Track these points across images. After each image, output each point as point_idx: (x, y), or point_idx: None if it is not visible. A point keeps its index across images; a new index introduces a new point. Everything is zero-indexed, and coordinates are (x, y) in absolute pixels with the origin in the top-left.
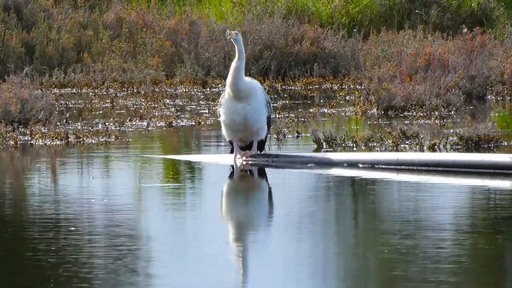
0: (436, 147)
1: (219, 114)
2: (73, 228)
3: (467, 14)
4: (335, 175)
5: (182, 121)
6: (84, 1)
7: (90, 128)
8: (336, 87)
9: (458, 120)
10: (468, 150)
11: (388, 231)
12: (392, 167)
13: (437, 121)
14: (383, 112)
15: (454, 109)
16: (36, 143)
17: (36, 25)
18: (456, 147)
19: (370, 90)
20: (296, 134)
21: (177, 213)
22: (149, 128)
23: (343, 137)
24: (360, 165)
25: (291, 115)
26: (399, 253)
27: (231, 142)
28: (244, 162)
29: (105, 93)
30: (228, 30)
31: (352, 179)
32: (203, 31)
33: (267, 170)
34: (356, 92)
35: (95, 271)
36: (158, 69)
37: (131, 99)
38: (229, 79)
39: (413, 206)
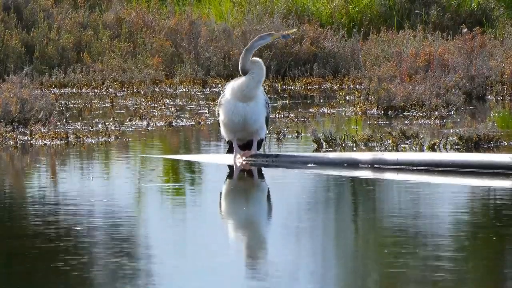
0: (436, 147)
1: (218, 114)
2: (78, 228)
3: (467, 14)
4: (335, 175)
5: (182, 121)
6: (84, 1)
7: (90, 128)
8: (336, 87)
9: (458, 120)
10: (468, 150)
11: (388, 231)
12: (392, 167)
13: (437, 121)
14: (383, 112)
15: (454, 109)
16: (36, 143)
17: (36, 25)
18: (456, 147)
19: (370, 90)
20: (296, 134)
21: (177, 214)
22: (149, 128)
23: (343, 137)
24: (360, 165)
25: (291, 115)
26: (399, 253)
27: (229, 142)
28: (244, 162)
29: (105, 93)
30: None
31: (352, 179)
32: (203, 31)
33: (267, 170)
34: (356, 92)
35: (94, 272)
36: (158, 69)
37: (131, 99)
38: (255, 78)
39: (413, 206)
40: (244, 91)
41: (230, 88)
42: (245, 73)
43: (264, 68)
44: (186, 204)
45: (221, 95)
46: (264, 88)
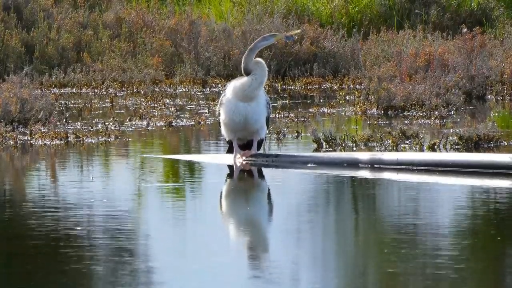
0: (436, 147)
1: (219, 113)
2: (78, 228)
3: (467, 14)
4: (335, 175)
5: (182, 121)
6: (84, 1)
7: (90, 128)
8: (336, 87)
9: (458, 120)
10: (468, 150)
11: (388, 231)
12: (392, 167)
13: (437, 121)
14: (383, 112)
15: (454, 109)
16: (36, 143)
17: (36, 25)
18: (456, 147)
19: (370, 90)
20: (296, 134)
21: (177, 213)
22: (149, 128)
23: (343, 137)
24: (360, 165)
25: (291, 115)
26: (399, 253)
27: (229, 142)
28: (244, 162)
29: (105, 93)
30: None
31: (352, 179)
32: (203, 31)
33: (267, 170)
34: (356, 92)
35: (94, 272)
36: (157, 69)
37: (130, 98)
38: (257, 79)
39: (413, 206)
40: (245, 91)
41: (232, 87)
42: (247, 73)
43: (267, 69)
44: (186, 204)
45: (222, 95)
46: (264, 88)
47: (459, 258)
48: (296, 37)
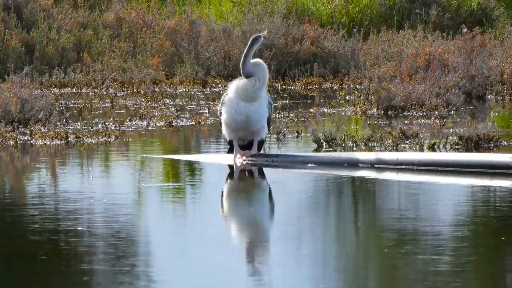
0: (436, 147)
1: (220, 113)
2: (79, 228)
3: (467, 14)
4: (335, 175)
5: (182, 121)
6: (84, 1)
7: (90, 128)
8: (336, 87)
9: (458, 120)
10: (468, 150)
11: (388, 231)
12: (392, 167)
13: (437, 121)
14: (383, 112)
15: (454, 109)
16: (36, 143)
17: (36, 25)
18: (456, 147)
19: (370, 90)
20: (296, 134)
21: (177, 214)
22: (149, 128)
23: (343, 137)
24: (361, 165)
25: (291, 115)
26: (399, 253)
27: (230, 142)
28: (244, 162)
29: (105, 93)
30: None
31: (352, 179)
32: (203, 31)
33: (267, 170)
34: (356, 92)
35: (94, 272)
36: (158, 69)
37: (131, 99)
38: (258, 79)
39: (413, 206)
40: (248, 91)
41: (234, 87)
42: (249, 77)
43: (267, 68)
44: (186, 204)
45: (224, 94)
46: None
47: (459, 258)
48: (268, 36)
